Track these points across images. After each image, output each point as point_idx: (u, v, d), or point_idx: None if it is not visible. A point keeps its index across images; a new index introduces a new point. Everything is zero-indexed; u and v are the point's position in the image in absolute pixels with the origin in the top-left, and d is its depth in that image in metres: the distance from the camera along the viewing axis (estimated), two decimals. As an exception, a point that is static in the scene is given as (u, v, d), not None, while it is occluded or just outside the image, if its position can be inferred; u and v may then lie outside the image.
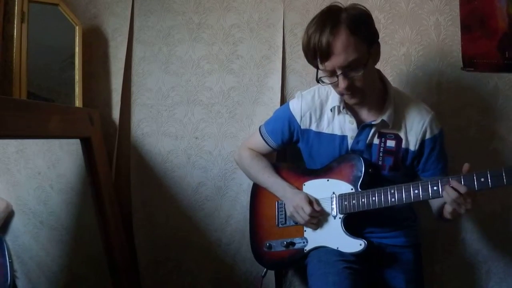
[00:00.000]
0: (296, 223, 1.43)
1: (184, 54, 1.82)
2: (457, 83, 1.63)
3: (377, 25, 1.63)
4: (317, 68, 1.29)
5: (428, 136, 1.35)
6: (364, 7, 1.28)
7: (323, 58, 1.23)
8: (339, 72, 1.23)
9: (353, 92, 1.27)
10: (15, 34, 1.55)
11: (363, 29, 1.22)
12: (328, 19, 1.21)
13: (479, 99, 1.62)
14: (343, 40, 1.19)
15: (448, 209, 1.23)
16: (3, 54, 1.55)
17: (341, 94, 1.33)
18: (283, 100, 1.73)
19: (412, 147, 1.36)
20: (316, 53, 1.23)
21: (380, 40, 1.63)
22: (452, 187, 1.17)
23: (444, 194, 1.18)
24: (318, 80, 1.29)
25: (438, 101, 1.64)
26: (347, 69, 1.22)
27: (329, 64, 1.23)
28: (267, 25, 1.75)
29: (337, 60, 1.21)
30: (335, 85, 1.29)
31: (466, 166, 1.18)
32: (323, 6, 1.66)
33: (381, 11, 1.66)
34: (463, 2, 1.61)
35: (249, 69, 1.77)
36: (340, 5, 1.26)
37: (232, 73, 1.78)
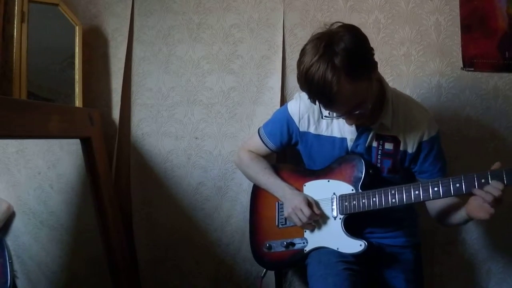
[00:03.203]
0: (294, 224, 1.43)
1: (184, 54, 1.82)
2: (457, 83, 1.63)
3: (377, 25, 1.66)
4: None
5: (425, 138, 1.34)
6: (358, 29, 1.19)
7: (325, 106, 1.22)
8: (344, 114, 1.23)
9: (361, 121, 1.30)
10: (15, 34, 1.55)
11: (361, 66, 1.15)
12: (323, 64, 1.12)
13: (479, 99, 1.62)
14: (344, 91, 1.13)
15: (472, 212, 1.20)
16: (3, 54, 1.55)
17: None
18: (283, 100, 1.73)
19: (410, 149, 1.35)
20: (319, 100, 1.20)
21: (380, 40, 1.66)
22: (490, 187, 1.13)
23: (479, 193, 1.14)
24: (323, 117, 1.31)
25: (438, 101, 1.64)
26: (352, 110, 1.21)
27: (334, 110, 1.24)
28: (267, 25, 1.75)
29: (340, 108, 1.20)
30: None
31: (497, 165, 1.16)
32: (323, 7, 1.70)
33: (381, 11, 1.66)
34: (463, 2, 1.61)
35: (249, 69, 1.77)
36: (333, 32, 1.16)
37: (232, 73, 1.78)
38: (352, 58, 1.12)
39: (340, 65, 1.12)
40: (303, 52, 1.19)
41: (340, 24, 1.19)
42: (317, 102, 1.24)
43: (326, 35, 1.16)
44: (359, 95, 1.17)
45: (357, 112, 1.21)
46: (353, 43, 1.14)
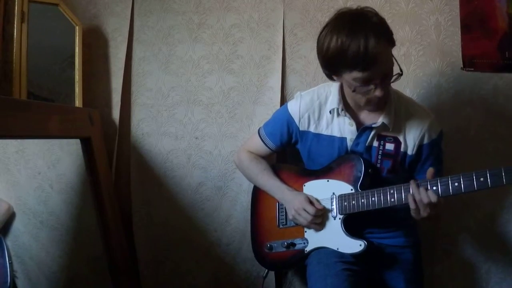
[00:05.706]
0: (298, 224, 1.43)
1: (184, 54, 1.82)
2: (457, 83, 1.63)
3: (377, 25, 1.65)
4: (334, 75, 1.28)
5: (426, 141, 1.34)
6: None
7: (366, 67, 1.18)
8: (377, 81, 1.21)
9: (381, 102, 1.29)
10: (15, 34, 1.55)
11: (391, 35, 1.23)
12: (362, 26, 1.17)
13: (479, 99, 1.62)
14: (386, 50, 1.20)
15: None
16: (3, 54, 1.55)
17: (367, 103, 1.29)
18: (283, 100, 1.73)
19: (410, 151, 1.35)
20: (357, 62, 1.17)
21: (380, 40, 1.65)
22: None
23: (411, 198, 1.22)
24: (354, 90, 1.26)
25: (438, 101, 1.63)
26: (384, 78, 1.22)
27: (369, 74, 1.19)
28: (267, 25, 1.75)
29: (381, 69, 1.20)
30: (364, 93, 1.25)
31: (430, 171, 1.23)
32: (323, 6, 1.70)
33: (381, 11, 1.64)
34: (463, 2, 1.61)
35: (249, 69, 1.77)
36: (359, 10, 1.23)
37: (232, 73, 1.78)
38: (386, 26, 1.21)
39: (379, 31, 1.17)
40: (328, 31, 1.22)
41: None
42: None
43: (355, 12, 1.22)
44: (391, 62, 1.23)
45: (388, 81, 1.24)
46: (383, 20, 1.22)
